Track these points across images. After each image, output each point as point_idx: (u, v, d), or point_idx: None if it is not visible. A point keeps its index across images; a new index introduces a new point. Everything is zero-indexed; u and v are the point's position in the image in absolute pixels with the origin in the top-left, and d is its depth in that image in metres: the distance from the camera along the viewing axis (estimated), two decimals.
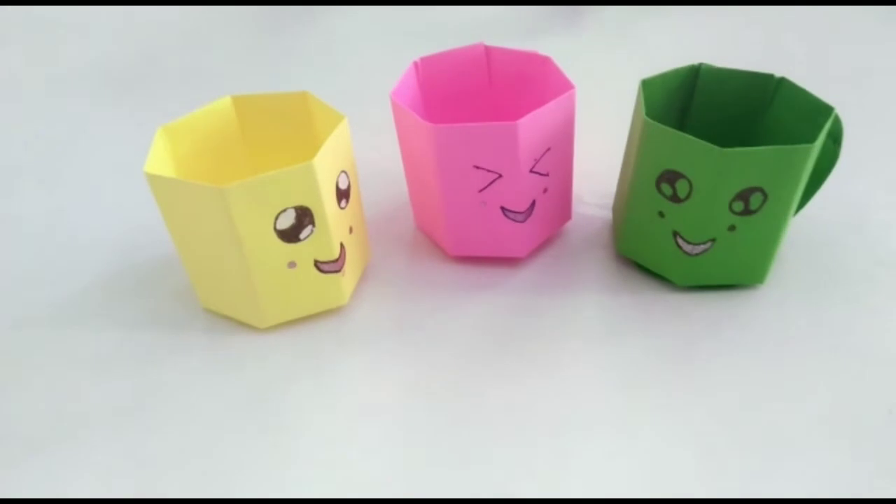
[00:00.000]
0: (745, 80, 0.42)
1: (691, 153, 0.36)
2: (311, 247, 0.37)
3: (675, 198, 0.38)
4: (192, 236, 0.37)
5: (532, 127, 0.38)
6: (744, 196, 0.36)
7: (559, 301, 0.42)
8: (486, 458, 0.34)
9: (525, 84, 0.45)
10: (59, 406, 0.37)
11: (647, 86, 0.40)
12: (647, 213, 0.40)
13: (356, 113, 0.40)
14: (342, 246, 0.39)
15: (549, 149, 0.40)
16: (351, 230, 0.40)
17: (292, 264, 0.38)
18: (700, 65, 0.42)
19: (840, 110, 0.39)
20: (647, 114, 0.39)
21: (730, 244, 0.39)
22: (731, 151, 0.35)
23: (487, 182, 0.40)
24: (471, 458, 0.34)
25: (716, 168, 0.35)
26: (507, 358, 0.39)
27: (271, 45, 0.76)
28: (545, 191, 0.42)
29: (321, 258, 0.38)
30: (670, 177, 0.38)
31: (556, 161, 0.41)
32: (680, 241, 0.39)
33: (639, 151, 0.39)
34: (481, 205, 0.41)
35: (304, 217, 0.36)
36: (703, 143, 0.35)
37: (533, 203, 0.42)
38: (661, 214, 0.39)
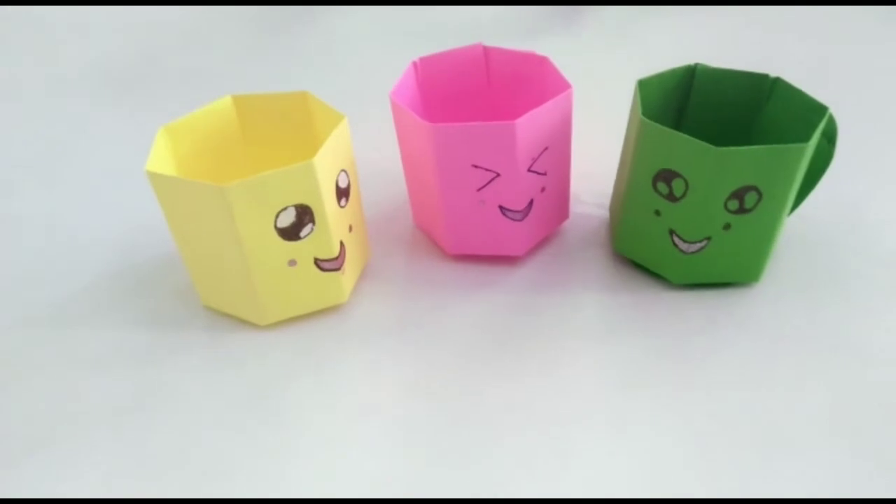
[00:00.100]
0: (741, 80, 0.42)
1: (687, 152, 0.36)
2: (311, 245, 0.38)
3: (671, 196, 0.39)
4: (194, 235, 0.38)
5: (530, 126, 0.38)
6: (739, 195, 0.37)
7: (557, 299, 0.42)
8: (485, 455, 0.34)
9: (523, 84, 0.46)
10: (60, 405, 0.38)
11: (644, 86, 0.41)
12: (644, 211, 0.40)
13: (356, 113, 0.41)
14: (342, 244, 0.40)
15: (546, 148, 0.41)
16: (350, 229, 0.41)
17: (292, 262, 0.38)
18: (696, 65, 0.43)
19: (835, 110, 0.39)
20: (644, 113, 0.39)
21: (725, 242, 0.39)
22: (725, 150, 0.35)
23: (486, 181, 0.40)
24: (469, 455, 0.34)
25: (711, 167, 0.36)
26: (506, 356, 0.39)
27: (271, 44, 0.76)
28: (543, 190, 0.42)
29: (321, 256, 0.38)
30: (666, 176, 0.38)
31: (553, 160, 0.42)
32: (676, 239, 0.40)
33: (635, 151, 0.39)
34: (480, 204, 0.41)
35: (305, 215, 0.36)
36: (698, 142, 0.36)
37: (531, 202, 0.42)
38: (658, 213, 0.40)
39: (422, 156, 0.41)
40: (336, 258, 0.39)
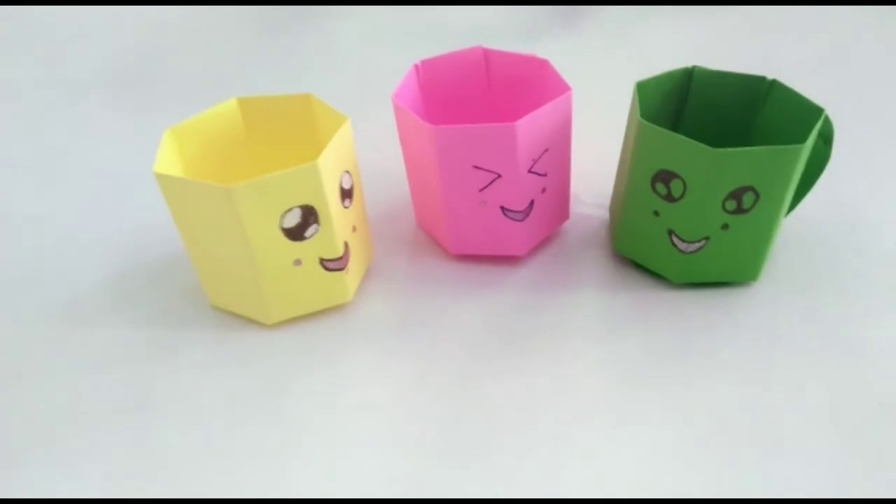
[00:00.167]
0: (738, 82, 0.43)
1: (685, 153, 0.37)
2: (316, 245, 0.38)
3: (669, 197, 0.39)
4: (201, 235, 0.38)
5: (530, 128, 0.39)
6: (736, 195, 0.37)
7: (558, 298, 0.43)
8: (488, 453, 0.35)
9: (523, 86, 0.46)
10: (70, 402, 0.38)
11: (642, 88, 0.41)
12: (643, 212, 0.41)
13: (357, 114, 0.41)
14: (346, 244, 0.40)
15: (547, 149, 0.41)
16: (354, 229, 0.41)
17: (298, 262, 0.39)
18: (694, 67, 0.43)
19: (832, 111, 0.40)
20: (642, 115, 0.40)
21: (723, 242, 0.40)
22: (723, 151, 0.36)
23: (487, 182, 0.41)
24: (472, 453, 0.35)
25: (709, 168, 0.36)
26: (508, 354, 0.40)
27: (273, 45, 0.77)
28: (543, 191, 0.43)
29: (326, 256, 0.39)
30: (665, 176, 0.39)
31: (554, 161, 0.42)
32: (675, 239, 0.40)
33: (634, 152, 0.40)
34: (481, 204, 0.42)
35: (310, 216, 0.37)
36: (695, 143, 0.36)
37: (532, 203, 0.43)
38: (657, 213, 0.40)
39: (424, 157, 0.41)
40: (340, 258, 0.40)
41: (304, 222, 0.37)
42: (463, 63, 0.46)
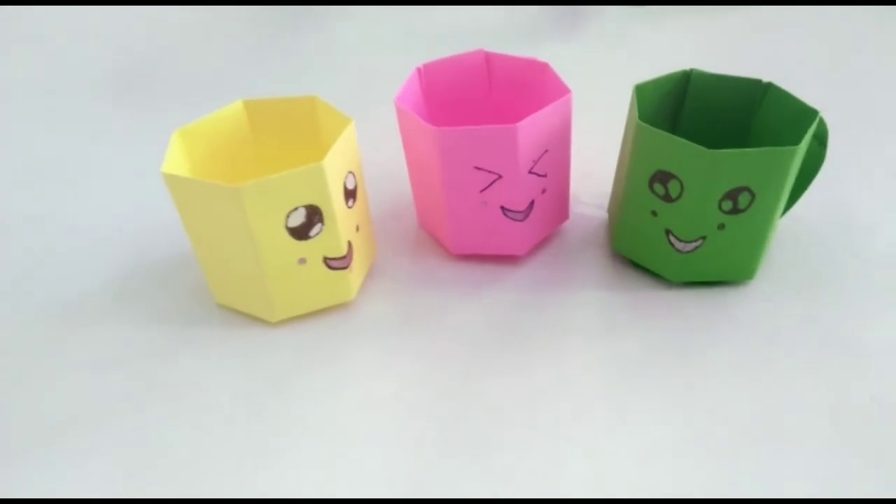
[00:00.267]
0: (735, 84, 0.43)
1: (682, 155, 0.38)
2: (320, 244, 0.39)
3: (667, 197, 0.40)
4: (208, 234, 0.39)
5: (530, 130, 0.40)
6: (732, 195, 0.38)
7: (557, 297, 0.44)
8: (488, 449, 0.35)
9: (524, 89, 0.47)
10: (76, 399, 0.39)
11: (641, 91, 0.42)
12: (641, 212, 0.42)
13: (360, 115, 0.42)
14: (350, 243, 0.41)
15: (546, 151, 0.42)
16: (358, 228, 0.42)
17: (302, 261, 0.39)
18: (691, 70, 0.44)
19: (828, 113, 0.40)
20: (640, 117, 0.41)
21: (720, 242, 0.40)
22: (719, 153, 0.36)
23: (488, 182, 0.41)
24: (472, 449, 0.35)
25: (705, 169, 0.37)
26: (508, 352, 0.40)
27: (275, 46, 0.77)
28: (543, 191, 0.44)
29: (330, 255, 0.40)
30: (662, 177, 0.39)
31: (553, 162, 0.43)
32: (672, 238, 0.41)
33: (632, 153, 0.40)
34: (482, 205, 0.43)
35: (314, 215, 0.38)
36: (692, 144, 0.37)
37: (532, 203, 0.43)
38: (655, 213, 0.41)
39: (426, 158, 0.42)
40: (344, 257, 0.40)
41: (309, 222, 0.38)
42: (464, 66, 0.47)
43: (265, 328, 0.42)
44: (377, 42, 0.77)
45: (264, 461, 0.35)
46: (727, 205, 0.39)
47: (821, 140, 0.42)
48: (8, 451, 0.36)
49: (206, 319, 0.43)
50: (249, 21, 0.84)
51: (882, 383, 0.37)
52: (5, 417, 0.38)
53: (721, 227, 0.40)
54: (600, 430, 0.36)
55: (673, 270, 0.43)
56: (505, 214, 0.43)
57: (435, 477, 0.34)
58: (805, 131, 0.39)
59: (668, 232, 0.41)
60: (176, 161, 0.40)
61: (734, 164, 0.37)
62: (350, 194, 0.40)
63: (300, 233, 0.38)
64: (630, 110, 0.42)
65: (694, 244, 0.41)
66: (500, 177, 0.41)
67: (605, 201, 0.50)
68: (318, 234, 0.39)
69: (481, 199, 0.42)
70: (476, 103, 0.49)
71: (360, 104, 0.47)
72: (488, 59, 0.47)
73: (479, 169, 0.41)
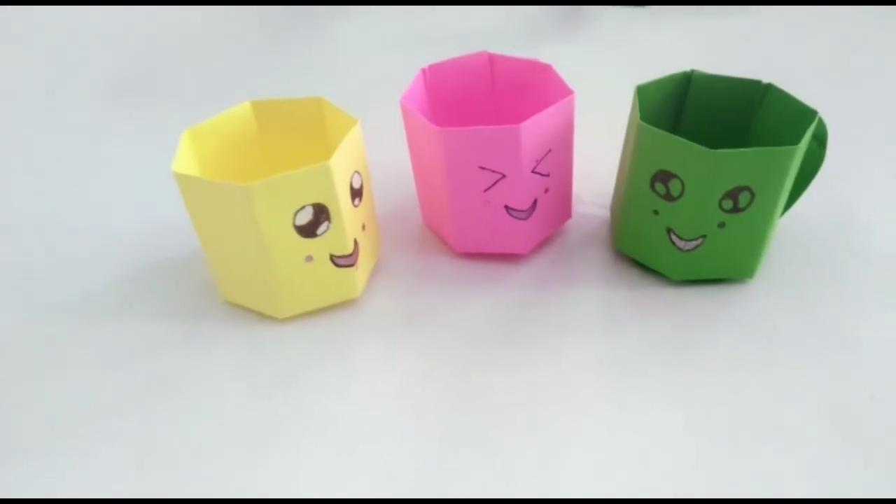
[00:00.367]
0: (735, 85, 0.44)
1: (683, 154, 0.38)
2: (326, 242, 0.40)
3: (668, 196, 0.40)
4: (217, 232, 0.40)
5: (534, 130, 0.40)
6: (732, 195, 0.39)
7: (560, 295, 0.44)
8: (490, 443, 0.36)
9: (527, 90, 0.48)
10: (85, 395, 0.39)
11: (642, 91, 0.43)
12: (643, 211, 0.42)
13: (364, 116, 0.42)
14: (355, 241, 0.41)
15: (549, 151, 0.43)
16: (363, 227, 0.43)
17: (309, 258, 0.40)
18: (692, 71, 0.44)
19: (828, 113, 0.41)
20: (642, 118, 0.41)
21: (720, 240, 0.41)
22: (719, 152, 0.37)
23: (492, 182, 0.42)
24: (475, 442, 0.36)
25: (706, 168, 0.38)
26: (511, 348, 0.41)
27: (281, 48, 0.78)
28: (546, 190, 0.44)
29: (336, 253, 0.40)
30: (664, 177, 0.40)
31: (556, 162, 0.44)
32: (673, 237, 0.42)
33: (634, 153, 0.41)
34: (486, 204, 0.43)
35: (321, 214, 0.39)
36: (693, 144, 0.38)
37: (535, 202, 0.44)
38: (656, 212, 0.42)
39: (431, 158, 0.43)
40: (350, 255, 0.41)
41: (316, 220, 0.39)
42: (469, 67, 0.48)
43: (272, 325, 0.43)
44: (378, 43, 0.77)
45: (270, 456, 0.36)
46: (727, 204, 0.39)
47: (820, 140, 0.42)
48: (18, 448, 0.37)
49: (214, 316, 0.44)
50: (252, 22, 0.84)
51: (880, 381, 0.38)
52: (14, 414, 0.38)
53: (721, 225, 0.40)
54: (601, 425, 0.36)
55: (674, 269, 0.43)
56: (508, 213, 0.44)
57: (438, 471, 0.35)
58: (804, 131, 0.39)
59: (669, 230, 0.42)
60: (186, 160, 0.40)
61: (734, 163, 0.37)
62: (356, 193, 0.41)
63: (307, 231, 0.39)
64: (632, 111, 0.43)
65: (694, 243, 0.41)
66: (503, 176, 0.42)
67: (607, 200, 0.50)
68: (324, 232, 0.39)
69: (485, 199, 0.43)
70: (480, 104, 0.49)
71: (364, 105, 0.48)
72: (492, 61, 0.48)
73: (483, 168, 0.41)
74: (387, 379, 0.40)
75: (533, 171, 0.42)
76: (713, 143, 0.44)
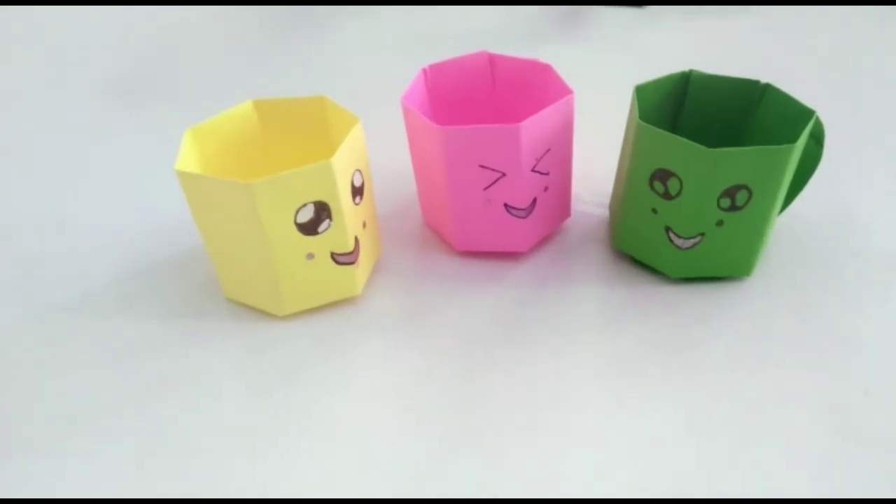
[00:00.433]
0: (733, 85, 0.44)
1: (681, 153, 0.39)
2: (328, 239, 0.40)
3: (666, 195, 0.41)
4: (219, 229, 0.40)
5: (533, 129, 0.41)
6: (730, 193, 0.39)
7: (559, 293, 0.44)
8: (490, 440, 0.36)
9: (527, 90, 0.48)
10: (88, 392, 0.39)
11: (641, 91, 0.43)
12: (641, 209, 0.43)
13: (365, 115, 0.43)
14: (356, 239, 0.42)
15: (549, 149, 0.43)
16: (364, 225, 0.43)
17: (311, 256, 0.40)
18: (690, 71, 0.45)
19: (826, 112, 0.41)
20: (641, 117, 0.42)
21: (718, 238, 0.41)
22: (717, 151, 0.37)
23: (492, 180, 0.42)
24: (475, 439, 0.36)
25: (704, 167, 0.38)
26: (510, 346, 0.41)
27: (282, 48, 0.78)
28: (546, 189, 0.45)
29: (337, 250, 0.41)
30: (662, 175, 0.40)
31: (556, 161, 0.44)
32: (672, 235, 0.42)
33: (633, 152, 0.41)
34: (486, 202, 0.43)
35: (323, 212, 0.39)
36: (691, 143, 0.38)
37: (534, 201, 0.44)
38: (654, 211, 0.42)
39: (432, 157, 0.43)
40: (351, 252, 0.41)
41: (318, 218, 0.39)
42: (469, 67, 0.48)
43: (273, 322, 0.43)
44: (379, 43, 0.78)
45: (271, 454, 0.36)
46: (725, 202, 0.39)
47: (817, 139, 0.43)
48: (18, 448, 0.37)
49: (216, 313, 0.44)
50: (253, 22, 0.85)
51: (878, 379, 0.38)
52: (14, 414, 0.38)
53: (719, 223, 0.41)
54: (601, 424, 0.37)
55: (672, 267, 0.44)
56: (508, 212, 0.44)
57: (438, 470, 0.35)
58: (802, 131, 0.39)
59: (667, 229, 0.42)
60: (188, 159, 0.41)
61: (732, 162, 0.38)
62: (357, 191, 0.41)
63: (309, 228, 0.39)
64: (630, 110, 0.43)
65: (693, 241, 0.42)
66: (503, 175, 0.42)
67: (606, 199, 0.51)
68: (326, 229, 0.40)
69: (485, 197, 0.43)
70: (480, 103, 0.50)
71: (365, 104, 0.48)
72: (492, 61, 0.48)
73: (483, 167, 0.42)
74: (387, 376, 0.40)
75: (532, 170, 0.42)
76: (711, 142, 0.44)
